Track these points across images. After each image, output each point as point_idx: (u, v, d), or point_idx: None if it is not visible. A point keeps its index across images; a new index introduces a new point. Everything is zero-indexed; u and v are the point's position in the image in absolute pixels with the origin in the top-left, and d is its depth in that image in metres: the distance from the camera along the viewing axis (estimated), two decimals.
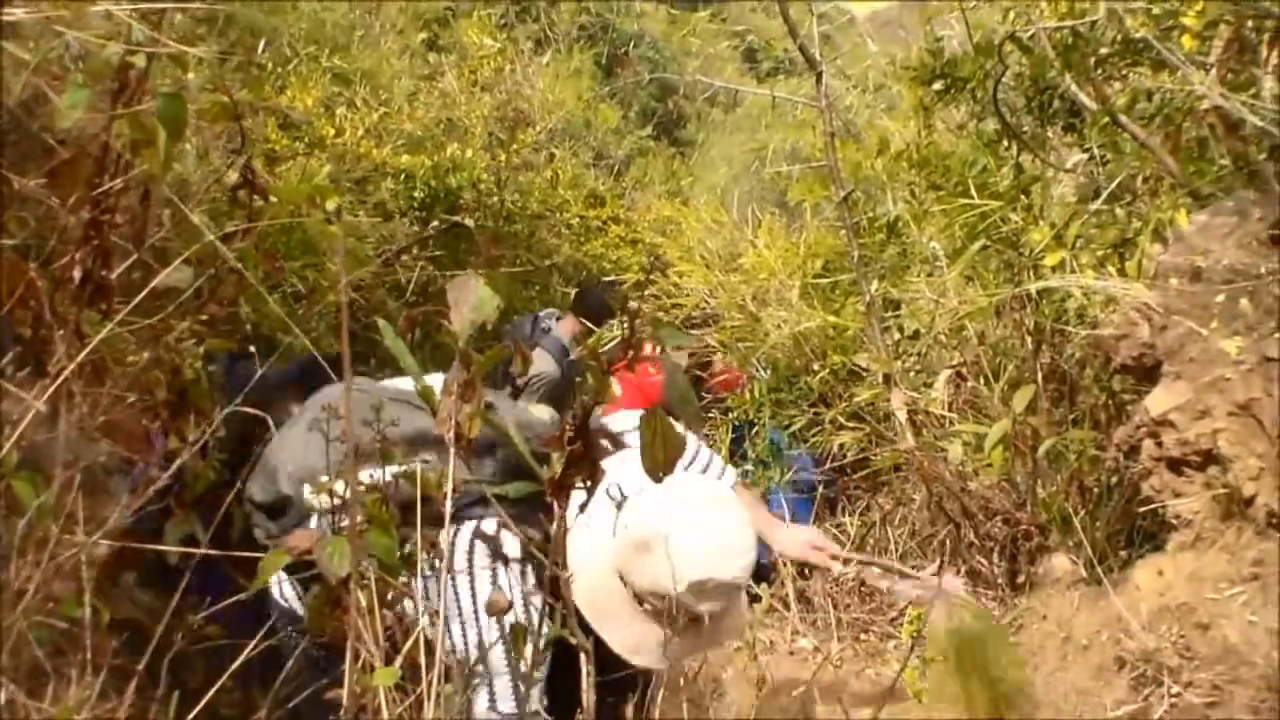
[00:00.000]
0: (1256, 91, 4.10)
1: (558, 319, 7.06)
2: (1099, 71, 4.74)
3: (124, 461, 3.03)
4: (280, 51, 9.06)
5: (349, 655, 2.25)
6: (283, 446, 3.26)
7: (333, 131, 8.81)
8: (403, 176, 9.33)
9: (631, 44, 18.59)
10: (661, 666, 3.01)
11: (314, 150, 8.52)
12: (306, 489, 3.06)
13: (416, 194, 9.37)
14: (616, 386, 5.66)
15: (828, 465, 6.12)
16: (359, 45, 10.44)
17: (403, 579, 2.52)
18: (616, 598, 2.98)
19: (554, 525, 2.59)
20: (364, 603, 2.36)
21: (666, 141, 17.96)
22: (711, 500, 3.02)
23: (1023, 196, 5.04)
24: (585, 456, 2.36)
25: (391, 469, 2.63)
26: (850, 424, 5.94)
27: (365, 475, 2.64)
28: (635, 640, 2.98)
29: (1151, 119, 4.50)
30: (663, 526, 2.84)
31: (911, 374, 5.87)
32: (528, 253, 10.18)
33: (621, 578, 2.94)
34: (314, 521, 3.07)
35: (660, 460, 2.31)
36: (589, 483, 2.41)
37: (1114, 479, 4.70)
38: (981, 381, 5.45)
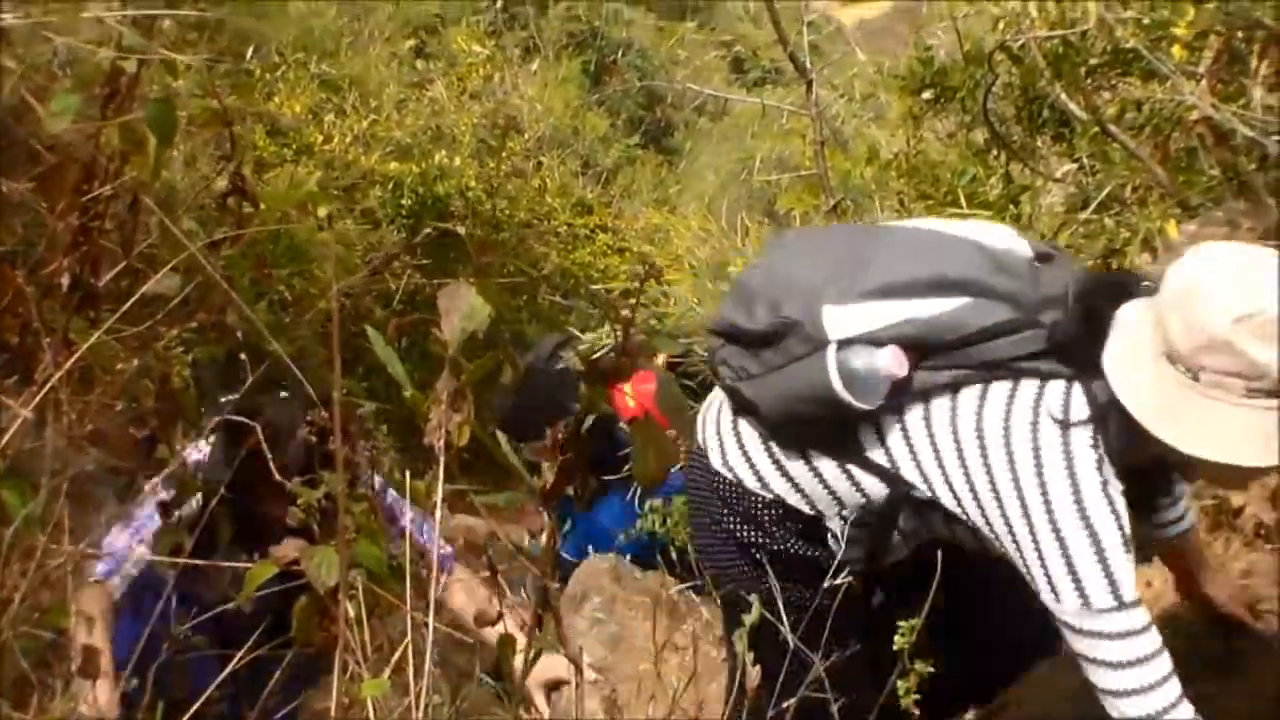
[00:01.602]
0: (1246, 102, 4.09)
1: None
2: (1089, 81, 4.73)
3: (111, 471, 3.02)
4: (269, 59, 9.06)
5: (337, 666, 2.24)
6: (772, 275, 3.02)
7: (321, 139, 8.82)
8: (391, 184, 9.34)
9: (620, 52, 18.61)
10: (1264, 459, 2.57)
11: (302, 157, 8.52)
12: (826, 310, 2.80)
13: (404, 202, 9.39)
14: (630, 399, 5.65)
15: None
16: (347, 52, 10.45)
17: None
18: (1173, 388, 2.57)
19: (544, 535, 2.59)
20: (352, 613, 2.35)
21: (654, 150, 17.99)
22: (1237, 248, 2.68)
23: (1012, 206, 5.03)
24: (577, 466, 2.35)
25: None
26: None
27: None
28: (1209, 430, 2.57)
29: (1141, 129, 4.49)
30: (1192, 277, 2.53)
31: None
32: (516, 261, 10.18)
33: (1169, 359, 2.56)
34: (831, 357, 2.78)
35: (652, 469, 2.30)
36: (581, 492, 2.40)
37: None
38: None
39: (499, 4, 15.13)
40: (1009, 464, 2.69)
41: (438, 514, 2.51)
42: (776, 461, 3.01)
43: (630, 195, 14.04)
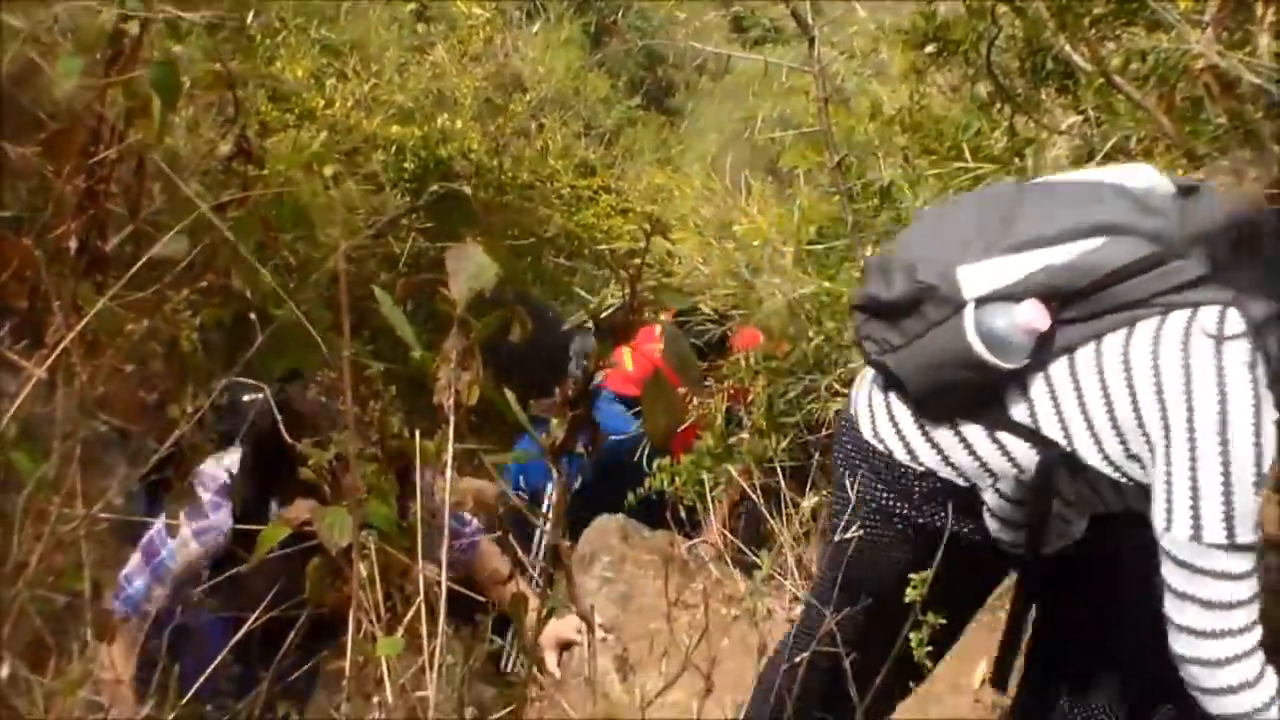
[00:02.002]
0: (1253, 49, 4.08)
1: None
2: (1093, 32, 4.72)
3: (121, 434, 3.03)
4: (269, 24, 9.03)
5: (350, 625, 2.25)
6: (910, 242, 2.99)
7: (323, 103, 8.79)
8: (393, 148, 9.31)
9: (619, 13, 18.53)
10: None
11: (304, 122, 8.49)
12: (961, 270, 2.74)
13: (407, 165, 9.35)
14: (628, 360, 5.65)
15: (821, 433, 6.10)
16: (347, 16, 10.40)
17: None
18: None
19: (555, 491, 2.58)
20: (364, 573, 2.35)
21: (656, 110, 17.92)
22: None
23: (1017, 159, 5.02)
24: (586, 421, 2.35)
25: None
26: (845, 390, 5.92)
27: None
28: None
29: (1146, 79, 4.48)
30: None
31: None
32: (520, 222, 10.16)
33: None
34: (969, 317, 2.73)
35: (662, 426, 2.30)
36: (589, 447, 2.40)
37: None
38: None
39: None
40: (1154, 381, 2.62)
41: (448, 474, 2.51)
42: (925, 433, 2.94)
43: (633, 156, 13.99)
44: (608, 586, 5.07)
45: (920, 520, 2.97)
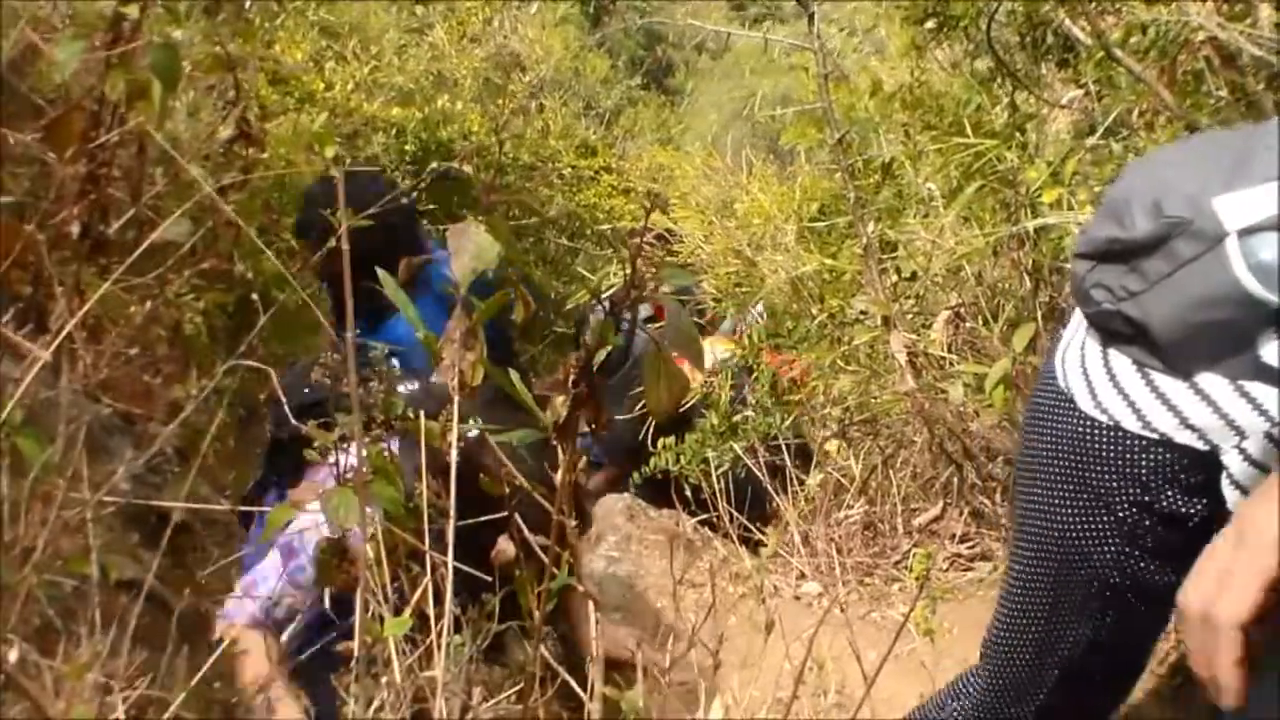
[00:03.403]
0: (1253, 20, 4.07)
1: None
2: (1093, 5, 4.71)
3: (125, 418, 3.02)
4: (267, 6, 9.03)
5: (359, 606, 2.25)
6: (1137, 184, 2.66)
7: (322, 86, 8.80)
8: (394, 130, 9.32)
9: None
10: None
11: (304, 105, 8.50)
12: (1218, 200, 2.45)
13: (408, 148, 9.36)
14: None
15: (825, 409, 6.11)
16: None
17: None
18: None
19: (560, 469, 2.56)
20: (372, 555, 2.36)
21: (656, 90, 17.93)
22: None
23: (1018, 134, 5.02)
24: (590, 399, 2.34)
25: None
26: (849, 368, 5.94)
27: None
28: None
29: (1147, 52, 4.47)
30: None
31: (910, 316, 5.85)
32: (521, 203, 10.17)
33: None
34: (1234, 249, 2.41)
35: (664, 400, 2.30)
36: (593, 426, 2.39)
37: None
38: (980, 322, 5.44)
39: None
40: None
41: (453, 457, 2.51)
42: (1158, 392, 2.64)
43: (633, 136, 14.00)
44: (614, 566, 5.08)
45: (1146, 499, 2.68)
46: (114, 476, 2.56)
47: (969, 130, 5.18)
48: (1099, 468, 2.71)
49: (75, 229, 2.52)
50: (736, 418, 5.95)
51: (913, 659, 3.87)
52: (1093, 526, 2.76)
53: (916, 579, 2.89)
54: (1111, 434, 2.68)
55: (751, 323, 6.68)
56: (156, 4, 2.65)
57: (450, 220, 8.49)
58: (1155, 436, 2.61)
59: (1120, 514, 2.69)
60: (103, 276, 2.53)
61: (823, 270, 6.27)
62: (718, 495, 5.40)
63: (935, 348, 5.61)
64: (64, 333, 2.25)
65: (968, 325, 5.63)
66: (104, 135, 2.54)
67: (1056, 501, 2.82)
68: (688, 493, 5.48)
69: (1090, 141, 4.59)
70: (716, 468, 5.59)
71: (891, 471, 5.79)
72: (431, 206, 8.96)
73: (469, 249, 2.29)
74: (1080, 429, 2.73)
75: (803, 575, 5.36)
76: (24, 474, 2.31)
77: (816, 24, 5.67)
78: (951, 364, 5.51)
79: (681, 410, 5.69)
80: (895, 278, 5.88)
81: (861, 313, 5.94)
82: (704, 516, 5.51)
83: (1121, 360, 2.68)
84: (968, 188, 5.09)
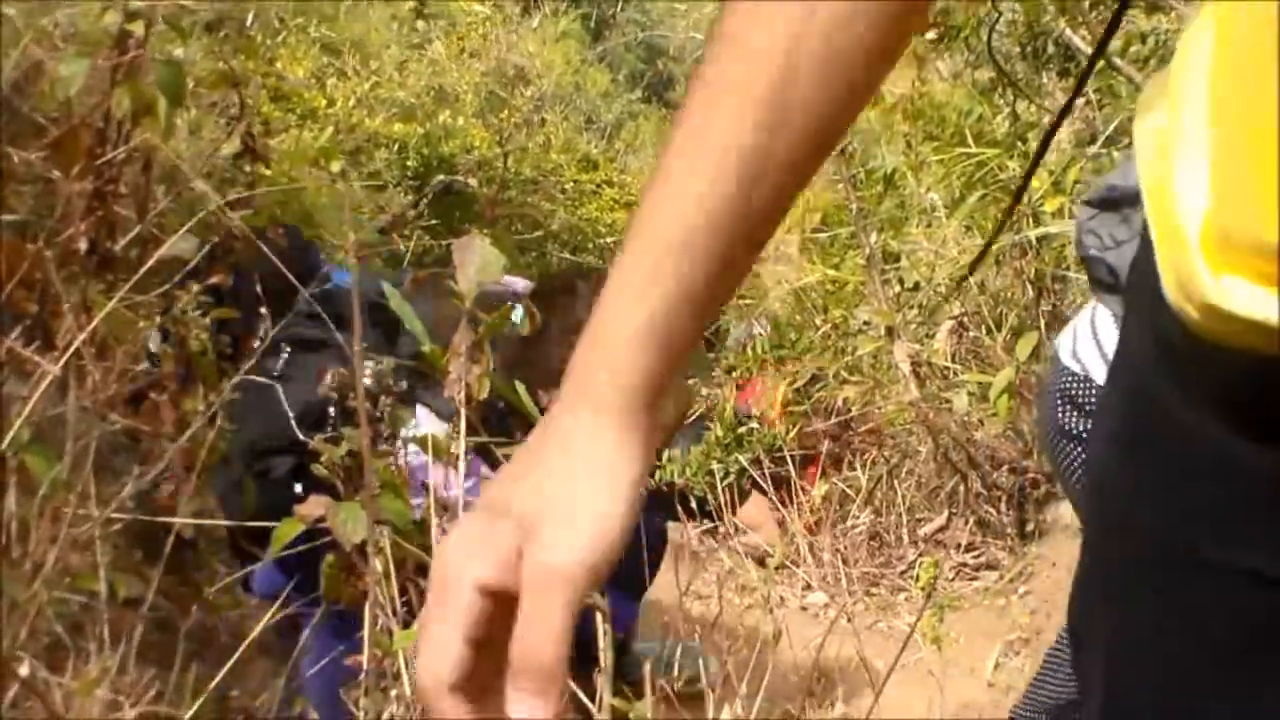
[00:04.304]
0: None
1: None
2: (1093, 15, 4.72)
3: (130, 436, 3.02)
4: (268, 23, 9.05)
5: (367, 620, 2.25)
6: None
7: (324, 102, 8.81)
8: (396, 146, 9.33)
9: (619, 6, 18.54)
10: None
11: (306, 121, 8.51)
12: None
13: (410, 163, 9.37)
14: None
15: (832, 420, 6.10)
16: (347, 15, 10.42)
17: None
18: None
19: None
20: (380, 568, 2.36)
21: (657, 103, 17.92)
22: None
23: (1020, 144, 5.03)
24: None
25: None
26: (853, 378, 5.94)
27: None
28: None
29: (1147, 61, 4.48)
30: None
31: (913, 326, 5.86)
32: (523, 217, 10.18)
33: None
34: None
35: (666, 410, 2.30)
36: None
37: None
38: (984, 331, 5.45)
39: None
40: None
41: (460, 466, 2.52)
42: None
43: (635, 150, 14.02)
44: None
45: None
46: (121, 494, 2.56)
47: (970, 140, 5.19)
48: (1072, 410, 2.75)
49: (82, 246, 2.53)
50: (741, 429, 5.95)
51: (920, 668, 3.87)
52: (1063, 459, 2.81)
53: (923, 589, 2.89)
54: (1084, 384, 2.73)
55: (755, 334, 6.68)
56: (158, 24, 2.66)
57: (452, 234, 8.51)
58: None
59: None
60: (109, 293, 2.53)
61: (826, 281, 6.28)
62: (723, 506, 5.41)
63: (939, 357, 5.61)
64: (72, 349, 2.26)
65: (971, 334, 5.64)
66: (110, 152, 2.55)
67: (1049, 436, 2.87)
68: (693, 504, 5.48)
69: (1091, 150, 4.60)
70: (721, 479, 5.59)
71: (897, 481, 5.79)
72: (434, 221, 8.96)
73: (474, 262, 2.30)
74: (1060, 379, 2.78)
75: (809, 586, 5.36)
76: (32, 491, 2.31)
77: None
78: (955, 373, 5.52)
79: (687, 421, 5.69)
80: (898, 288, 5.89)
81: (865, 323, 5.94)
82: (708, 526, 5.51)
83: (1104, 314, 2.72)
84: (970, 197, 5.10)
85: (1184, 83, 0.86)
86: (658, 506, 3.56)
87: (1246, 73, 0.76)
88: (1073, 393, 2.76)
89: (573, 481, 0.88)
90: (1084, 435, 2.74)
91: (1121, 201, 2.61)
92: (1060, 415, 2.79)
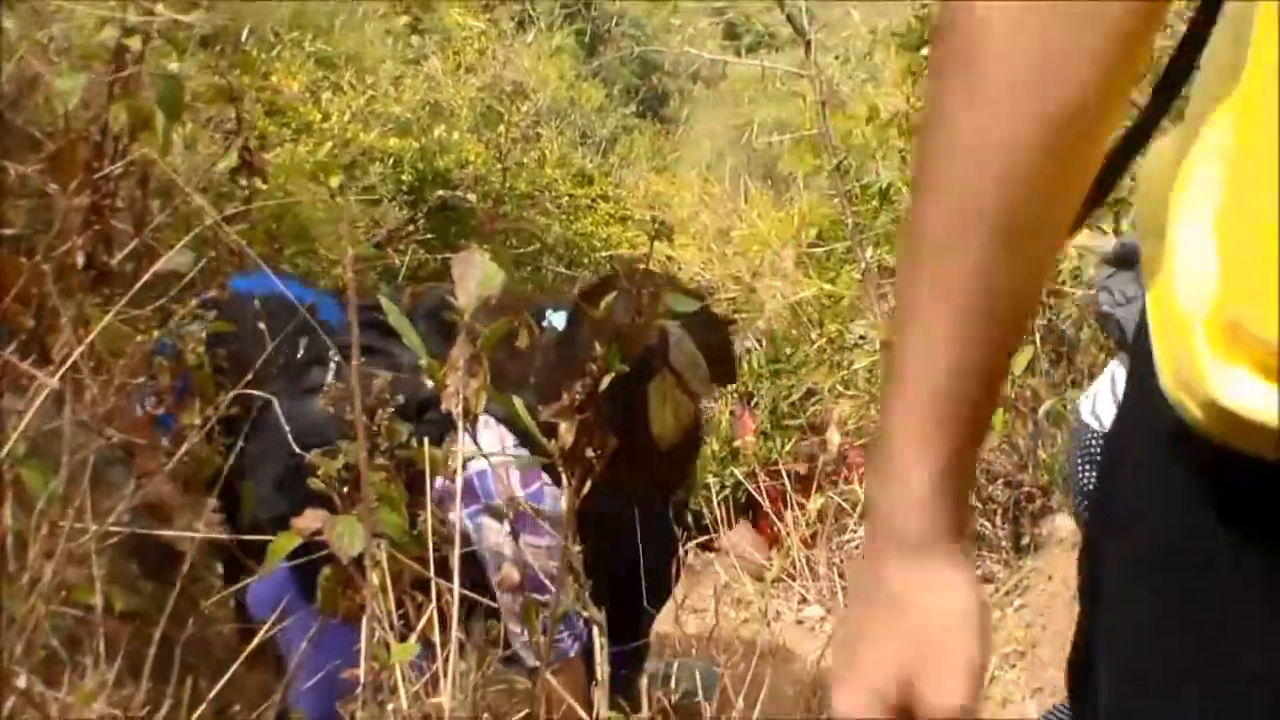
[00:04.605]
0: None
1: None
2: None
3: (126, 450, 3.01)
4: (264, 38, 9.05)
5: (364, 633, 2.25)
6: None
7: (320, 116, 8.81)
8: (391, 160, 9.33)
9: (613, 21, 18.59)
10: None
11: (301, 135, 8.51)
12: None
13: (405, 178, 9.37)
14: None
15: (828, 434, 6.10)
16: (342, 29, 10.43)
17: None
18: None
19: (564, 497, 2.55)
20: (377, 581, 2.35)
21: (651, 119, 17.97)
22: None
23: None
24: (596, 426, 2.34)
25: None
26: (849, 392, 5.95)
27: None
28: None
29: (1142, 76, 4.49)
30: None
31: None
32: (519, 232, 10.18)
33: None
34: None
35: (669, 426, 2.30)
36: (599, 452, 2.39)
37: None
38: None
39: None
40: None
41: (458, 480, 2.51)
42: None
43: (629, 164, 14.05)
44: None
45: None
46: (118, 508, 2.56)
47: None
48: (1086, 464, 2.78)
49: (79, 260, 2.52)
50: (736, 443, 5.96)
51: None
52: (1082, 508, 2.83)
53: None
54: (1099, 440, 2.73)
55: (749, 348, 6.69)
56: (155, 38, 2.66)
57: (449, 249, 8.51)
58: None
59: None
60: (105, 307, 2.52)
61: (822, 295, 6.29)
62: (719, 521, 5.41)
63: None
64: (69, 362, 2.25)
65: None
66: (107, 166, 2.55)
67: (1080, 512, 2.89)
68: (689, 518, 5.48)
69: None
70: (717, 493, 5.60)
71: None
72: (429, 236, 8.96)
73: (474, 276, 2.30)
74: (1081, 435, 2.80)
75: (805, 599, 5.36)
76: (28, 505, 2.31)
77: (814, 51, 5.69)
78: None
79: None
80: (894, 302, 5.88)
81: (861, 337, 5.95)
82: (705, 539, 5.51)
83: (1122, 370, 2.71)
84: None
85: (1189, 195, 0.88)
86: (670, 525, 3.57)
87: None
88: (1093, 451, 2.76)
89: (940, 633, 0.99)
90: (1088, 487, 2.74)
91: (1135, 259, 2.48)
92: (1081, 475, 2.82)
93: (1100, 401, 2.79)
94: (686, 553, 5.22)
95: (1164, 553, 0.94)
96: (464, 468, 2.67)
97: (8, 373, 2.37)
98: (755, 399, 6.40)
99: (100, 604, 2.44)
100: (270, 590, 3.10)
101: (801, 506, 5.63)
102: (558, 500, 2.97)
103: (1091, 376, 4.90)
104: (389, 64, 10.60)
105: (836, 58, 8.96)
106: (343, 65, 9.78)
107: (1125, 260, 2.67)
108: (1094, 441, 2.78)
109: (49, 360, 2.41)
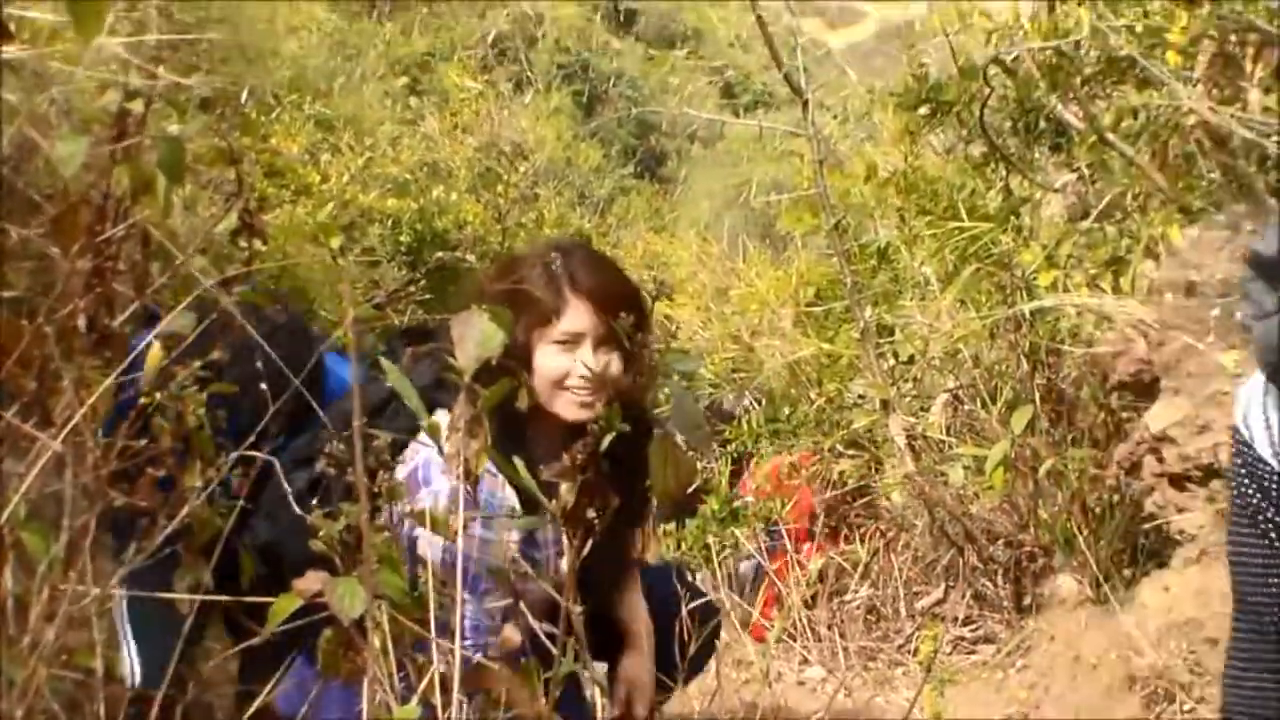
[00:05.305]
0: (1243, 104, 4.12)
1: None
2: (1084, 90, 4.76)
3: (129, 513, 3.00)
4: (263, 101, 9.10)
5: (365, 696, 2.24)
6: None
7: (319, 177, 8.85)
8: (389, 221, 9.37)
9: (610, 82, 18.69)
10: None
11: (300, 197, 8.55)
12: None
13: (403, 239, 9.41)
14: None
15: (828, 494, 6.09)
16: (341, 92, 10.50)
17: None
18: None
19: (564, 557, 2.54)
20: (378, 643, 2.34)
21: (649, 179, 18.04)
22: None
23: (1013, 218, 5.05)
24: (597, 486, 2.34)
25: None
26: (849, 451, 5.94)
27: None
28: None
29: (1138, 136, 4.51)
30: None
31: (908, 399, 5.87)
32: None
33: None
34: None
35: (670, 486, 2.30)
36: (601, 511, 2.39)
37: (1116, 497, 4.69)
38: (979, 404, 5.45)
39: (489, 39, 15.19)
40: None
41: (459, 540, 2.51)
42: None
43: (627, 224, 14.10)
44: None
45: None
46: (119, 571, 2.55)
47: (964, 214, 5.22)
48: (1269, 507, 2.52)
49: (81, 323, 2.53)
50: (736, 503, 5.95)
51: None
52: (1259, 563, 2.56)
53: (920, 662, 2.88)
54: (1245, 448, 2.52)
55: (746, 406, 6.69)
56: (157, 99, 2.67)
57: (447, 309, 8.52)
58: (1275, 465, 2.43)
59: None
60: (107, 370, 2.53)
61: (820, 354, 6.30)
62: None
63: (934, 430, 5.61)
64: (71, 424, 2.25)
65: (966, 407, 5.64)
66: (109, 229, 2.55)
67: (1238, 530, 2.62)
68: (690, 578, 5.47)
69: (1084, 225, 4.62)
70: (718, 553, 5.59)
71: (893, 555, 5.78)
72: (428, 296, 8.98)
73: (473, 336, 2.30)
74: (1256, 471, 2.53)
75: (806, 660, 5.34)
76: (28, 567, 2.30)
77: (811, 111, 5.71)
78: (951, 446, 5.52)
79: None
80: (893, 361, 5.90)
81: (860, 396, 5.96)
82: (705, 600, 5.50)
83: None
84: (964, 271, 5.12)
85: None
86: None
87: None
88: (1270, 488, 2.52)
89: None
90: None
91: (1269, 268, 2.39)
92: (1236, 482, 2.59)
93: (1253, 411, 2.52)
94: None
95: None
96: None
97: (9, 435, 2.37)
98: (755, 458, 6.40)
99: (101, 668, 2.44)
100: (298, 694, 3.08)
101: (802, 566, 5.62)
102: (494, 492, 3.03)
103: (1092, 436, 4.91)
104: (387, 125, 10.68)
105: (834, 117, 9.01)
106: (341, 127, 9.84)
107: (1263, 266, 2.42)
108: (1243, 449, 2.54)
109: (50, 423, 2.41)
